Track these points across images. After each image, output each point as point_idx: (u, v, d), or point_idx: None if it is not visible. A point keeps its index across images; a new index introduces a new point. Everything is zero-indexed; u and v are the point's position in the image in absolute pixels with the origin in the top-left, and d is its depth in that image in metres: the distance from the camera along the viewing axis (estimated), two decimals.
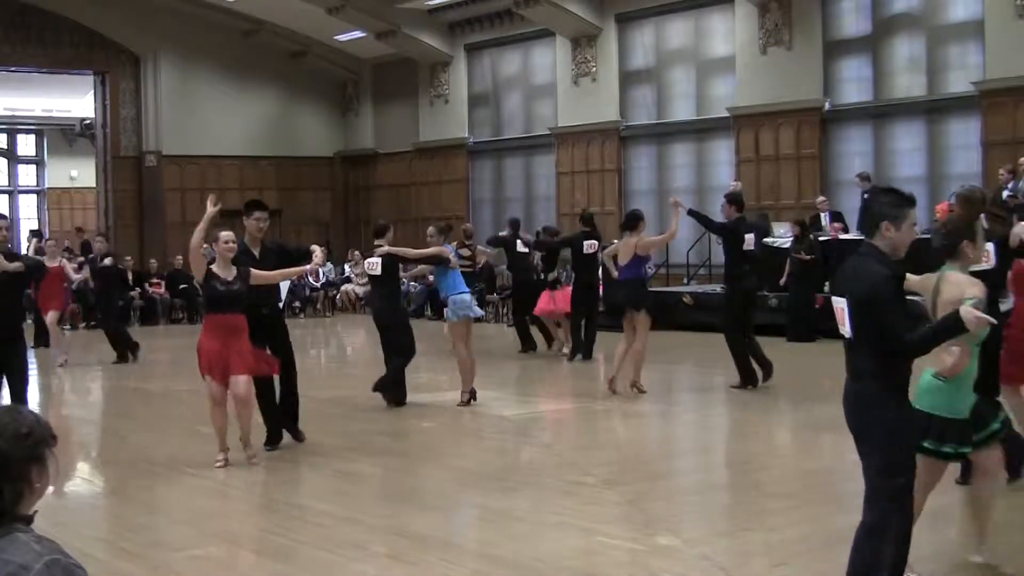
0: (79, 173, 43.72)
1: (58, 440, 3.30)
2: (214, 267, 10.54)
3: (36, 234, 28.24)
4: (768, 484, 9.58)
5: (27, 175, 45.93)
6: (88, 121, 38.59)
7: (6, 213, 11.75)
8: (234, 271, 10.56)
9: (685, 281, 25.28)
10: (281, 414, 11.46)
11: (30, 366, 10.72)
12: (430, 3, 30.41)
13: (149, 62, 32.67)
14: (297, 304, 30.06)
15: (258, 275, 10.77)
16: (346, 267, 30.83)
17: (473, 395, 13.86)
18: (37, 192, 45.97)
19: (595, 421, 13.48)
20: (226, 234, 10.77)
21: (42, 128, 45.11)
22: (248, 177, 34.25)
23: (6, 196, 45.39)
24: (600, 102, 28.01)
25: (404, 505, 9.46)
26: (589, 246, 19.29)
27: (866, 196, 21.44)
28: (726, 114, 25.52)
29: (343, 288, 30.39)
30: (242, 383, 10.44)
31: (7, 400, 10.37)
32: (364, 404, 14.73)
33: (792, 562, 7.29)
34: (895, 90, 23.34)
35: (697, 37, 26.61)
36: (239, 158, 33.89)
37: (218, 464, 10.35)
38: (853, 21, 23.87)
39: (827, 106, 24.04)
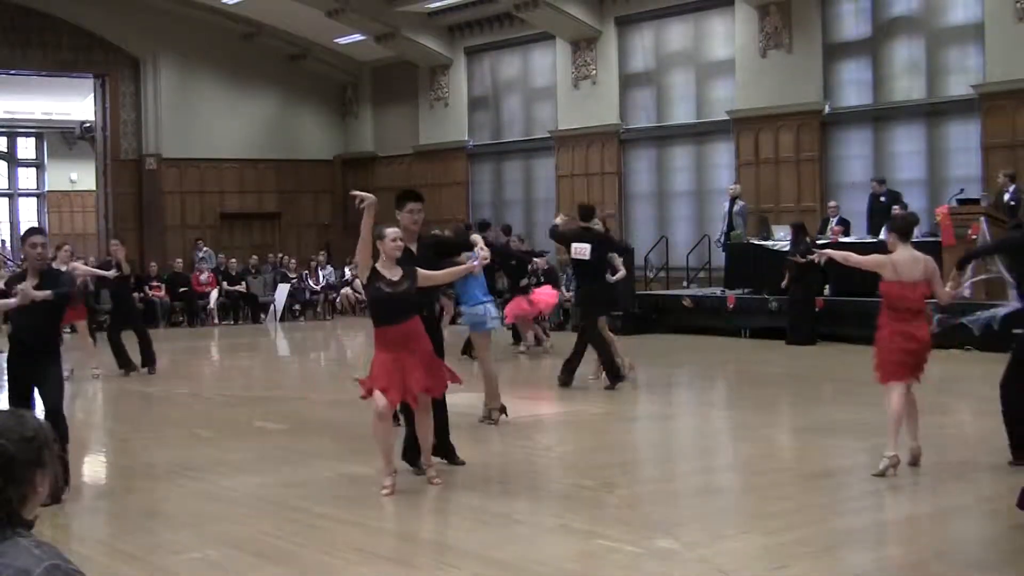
0: (79, 176, 43.75)
1: (58, 445, 3.31)
2: (379, 266, 9.48)
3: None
4: (767, 487, 9.58)
5: (27, 178, 45.97)
6: (88, 124, 38.62)
7: (38, 225, 11.07)
8: (400, 271, 9.45)
9: (685, 284, 25.29)
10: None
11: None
12: (430, 6, 30.42)
13: (149, 65, 32.69)
14: (297, 307, 30.06)
15: (425, 275, 9.66)
16: (346, 270, 30.82)
17: (503, 410, 12.88)
18: (37, 195, 46.00)
19: (594, 424, 13.47)
20: (392, 231, 9.59)
21: (42, 131, 45.16)
22: (248, 180, 34.28)
23: (6, 199, 45.43)
24: (600, 105, 28.02)
25: (404, 508, 9.47)
26: (578, 250, 15.72)
27: (882, 199, 21.47)
28: (726, 117, 25.53)
29: (343, 291, 30.39)
30: (426, 398, 9.56)
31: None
32: (363, 407, 14.73)
33: (792, 565, 7.29)
34: (895, 93, 23.35)
35: (697, 40, 26.62)
36: (239, 161, 33.91)
37: (385, 492, 9.27)
38: (853, 24, 23.88)
39: (827, 109, 24.05)
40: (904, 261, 9.68)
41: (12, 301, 9.20)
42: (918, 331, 9.69)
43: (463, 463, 10.39)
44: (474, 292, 12.95)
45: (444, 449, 10.36)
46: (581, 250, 15.42)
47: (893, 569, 7.42)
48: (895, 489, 9.40)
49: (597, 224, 16.44)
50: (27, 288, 9.15)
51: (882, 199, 21.46)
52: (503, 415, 12.87)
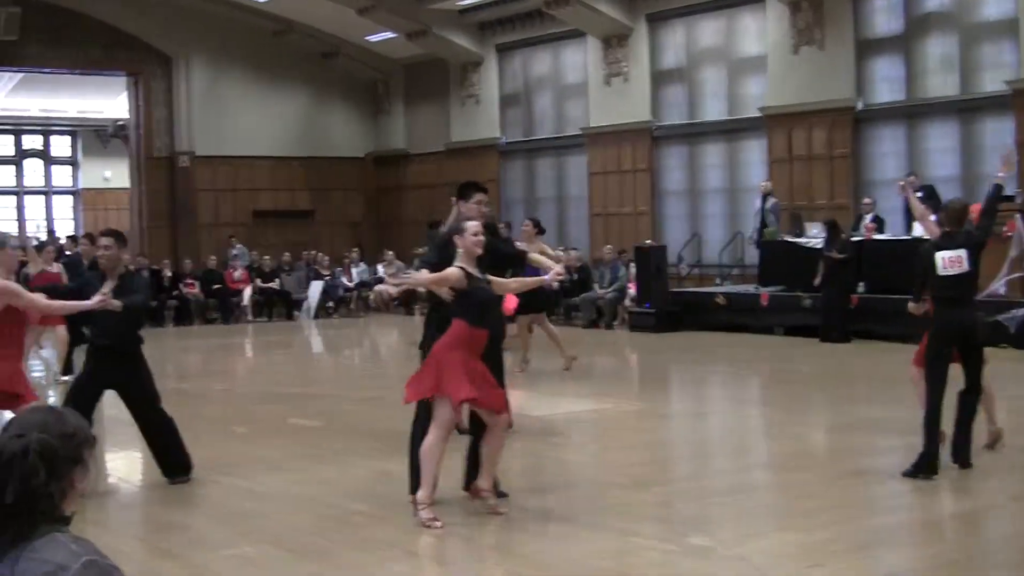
0: (113, 174, 43.94)
1: (96, 442, 3.33)
2: (466, 266, 8.42)
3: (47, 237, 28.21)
4: (802, 485, 9.56)
5: (62, 176, 46.17)
6: (121, 122, 38.76)
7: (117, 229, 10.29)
8: (477, 271, 8.52)
9: (718, 281, 25.23)
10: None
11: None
12: (461, 3, 30.41)
13: (181, 63, 32.80)
14: (330, 304, 30.13)
15: (499, 284, 8.84)
16: (379, 268, 30.86)
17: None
18: (72, 193, 46.22)
19: (627, 421, 13.47)
20: (474, 224, 8.54)
21: (76, 129, 45.35)
22: (280, 177, 34.35)
23: (42, 197, 45.67)
24: (631, 102, 27.97)
25: (438, 505, 9.47)
26: None
27: (918, 194, 21.37)
28: (758, 114, 25.44)
29: (376, 288, 30.41)
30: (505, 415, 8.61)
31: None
32: (397, 404, 14.76)
33: (827, 563, 7.28)
34: (928, 89, 23.21)
35: (728, 37, 26.54)
36: (271, 158, 33.97)
37: (438, 524, 8.24)
38: (885, 20, 23.75)
39: (859, 106, 23.93)
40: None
41: (88, 304, 9.05)
42: None
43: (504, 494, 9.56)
44: None
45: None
46: None
47: (928, 568, 7.39)
48: (929, 488, 9.36)
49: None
50: (108, 296, 9.01)
51: (918, 194, 21.31)
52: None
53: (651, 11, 27.55)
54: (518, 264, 9.96)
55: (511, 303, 17.86)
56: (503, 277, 8.99)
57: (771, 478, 10.33)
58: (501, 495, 8.87)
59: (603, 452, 11.47)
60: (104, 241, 9.67)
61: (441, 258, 8.74)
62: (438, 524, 8.21)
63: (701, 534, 7.94)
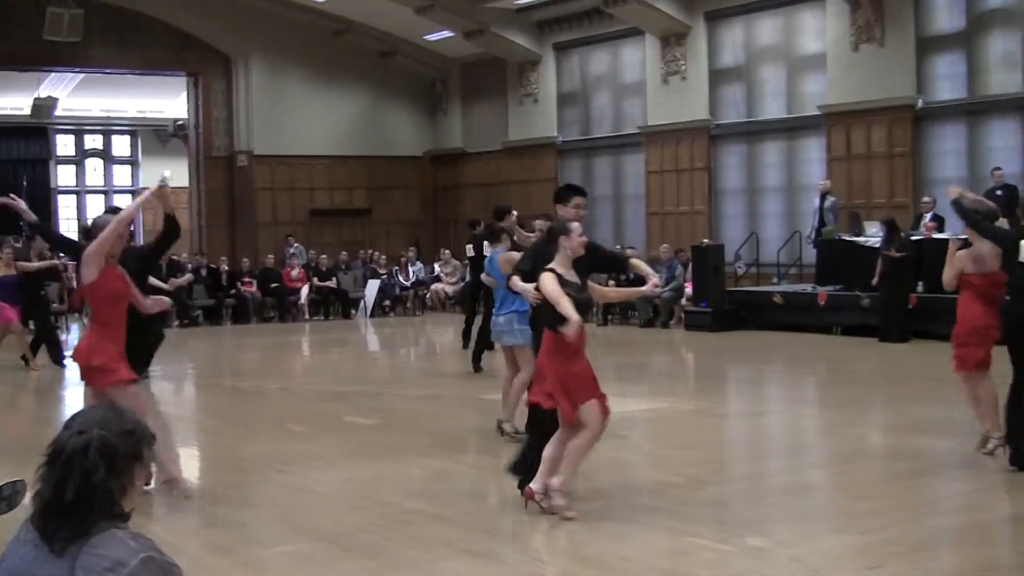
0: (172, 173, 44.18)
1: (155, 440, 3.35)
2: (559, 268, 8.38)
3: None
4: (859, 486, 9.48)
5: (122, 175, 46.59)
6: (181, 122, 39.06)
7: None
8: (576, 276, 8.45)
9: (775, 280, 25.09)
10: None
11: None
12: (518, 2, 30.42)
13: (240, 63, 33.01)
14: (387, 303, 30.20)
15: (598, 291, 8.88)
16: (436, 266, 30.93)
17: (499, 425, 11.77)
18: (132, 192, 46.58)
19: (684, 420, 13.42)
20: (578, 225, 8.55)
21: (136, 129, 45.72)
22: (337, 176, 34.51)
23: (101, 196, 46.08)
24: (689, 101, 27.87)
25: (494, 504, 9.48)
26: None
27: (998, 192, 21.14)
28: (817, 112, 25.27)
29: (433, 287, 30.48)
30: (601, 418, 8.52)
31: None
32: (453, 402, 14.79)
33: (886, 564, 7.21)
34: (990, 87, 22.96)
35: (787, 34, 26.39)
36: (329, 158, 34.13)
37: (571, 514, 8.35)
38: (947, 16, 23.52)
39: (920, 103, 23.72)
40: (990, 251, 10.04)
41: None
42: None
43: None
44: (503, 299, 11.74)
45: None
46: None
47: (987, 571, 7.30)
48: (989, 488, 9.27)
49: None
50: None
51: (998, 192, 21.07)
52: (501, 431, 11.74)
53: (709, 9, 27.44)
54: (621, 268, 9.87)
55: None
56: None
57: (828, 478, 10.26)
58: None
59: (660, 452, 11.43)
60: None
61: (534, 266, 8.73)
62: (571, 514, 8.28)
63: (757, 534, 7.89)
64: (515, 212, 17.40)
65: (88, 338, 8.91)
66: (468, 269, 22.74)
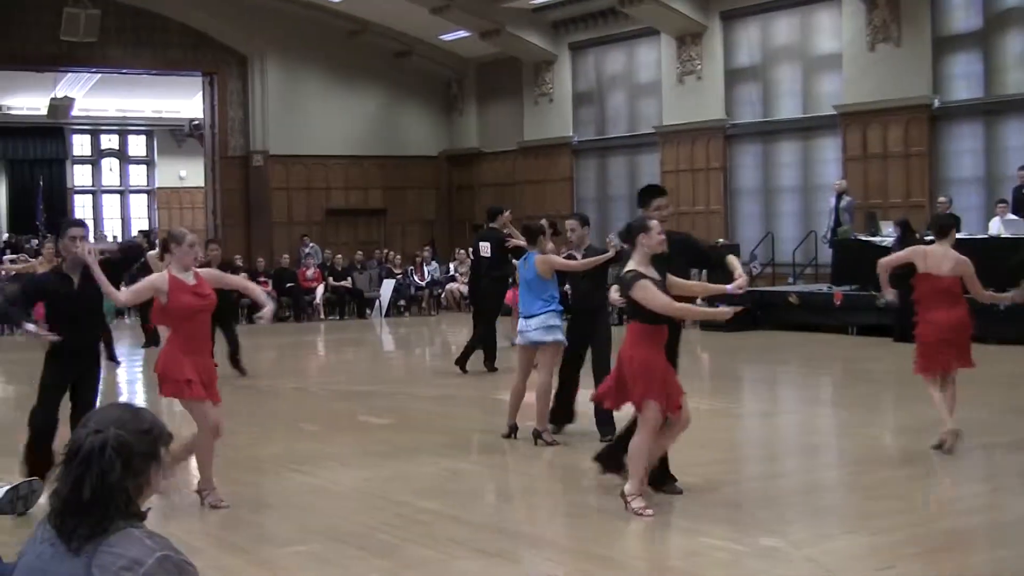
0: (188, 173, 44.40)
1: (172, 439, 3.37)
2: (639, 267, 8.47)
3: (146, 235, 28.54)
4: (873, 486, 9.47)
5: (138, 175, 46.75)
6: (196, 122, 39.17)
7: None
8: (656, 273, 8.51)
9: (791, 280, 25.06)
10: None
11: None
12: (534, 2, 30.43)
13: (256, 63, 33.06)
14: (402, 302, 30.22)
15: (677, 284, 8.80)
16: (451, 266, 30.95)
17: (512, 430, 11.69)
18: (147, 192, 46.77)
19: (698, 420, 13.34)
20: (656, 223, 8.64)
21: (152, 129, 45.89)
22: (353, 176, 34.56)
23: (117, 196, 46.24)
24: (705, 100, 27.85)
25: (507, 503, 9.50)
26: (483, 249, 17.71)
27: None
28: (833, 112, 25.23)
29: (448, 287, 30.50)
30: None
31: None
32: (468, 402, 14.80)
33: (899, 565, 7.21)
34: (1007, 86, 22.90)
35: (803, 34, 26.35)
36: (344, 158, 34.18)
37: (649, 512, 8.41)
38: (963, 16, 23.47)
39: (936, 103, 23.67)
40: (935, 254, 10.93)
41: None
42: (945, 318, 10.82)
43: (680, 491, 9.32)
44: (523, 300, 11.65)
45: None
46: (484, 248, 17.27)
47: (1002, 572, 7.29)
48: (1002, 490, 9.26)
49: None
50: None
51: None
52: (511, 434, 11.70)
53: (725, 9, 27.42)
54: (714, 265, 9.85)
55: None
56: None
57: (842, 479, 10.25)
58: (675, 489, 9.17)
59: (674, 451, 11.41)
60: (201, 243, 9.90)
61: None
62: (650, 512, 8.36)
63: (771, 535, 7.89)
64: (507, 211, 17.57)
65: (163, 348, 9.21)
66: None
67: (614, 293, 9.63)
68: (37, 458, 9.06)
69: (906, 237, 20.34)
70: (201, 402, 8.95)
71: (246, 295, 11.86)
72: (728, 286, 9.06)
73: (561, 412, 11.79)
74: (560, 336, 11.33)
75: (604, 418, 11.09)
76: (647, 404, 8.46)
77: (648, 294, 8.30)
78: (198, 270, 9.26)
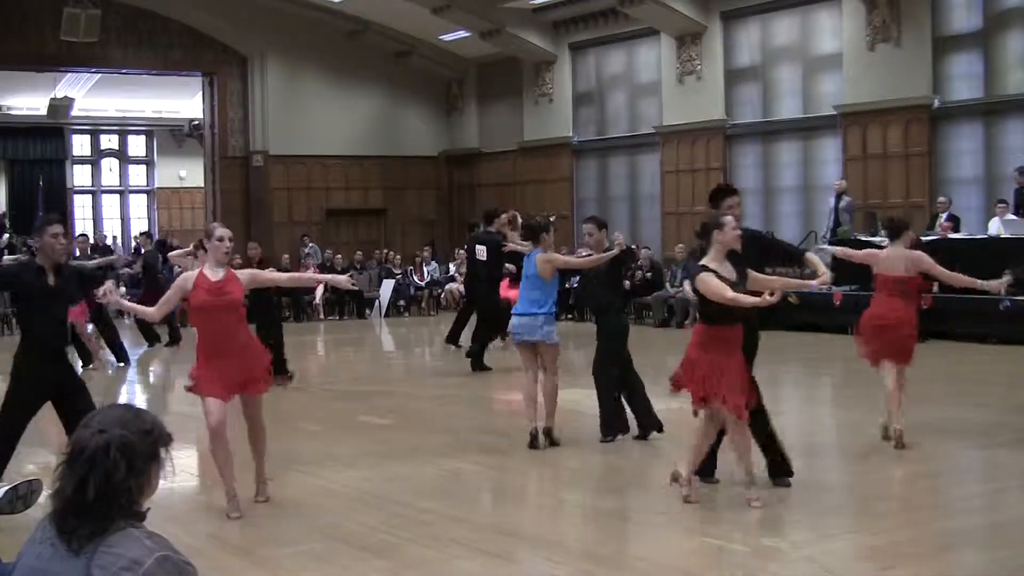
0: (187, 173, 44.35)
1: (172, 440, 3.37)
2: (712, 263, 8.66)
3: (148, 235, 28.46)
4: (875, 487, 9.47)
5: (137, 175, 46.69)
6: (196, 122, 39.15)
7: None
8: (733, 269, 8.71)
9: None
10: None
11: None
12: (534, 2, 30.43)
13: (256, 63, 33.07)
14: (402, 303, 30.21)
15: (758, 279, 8.90)
16: (451, 266, 30.94)
17: (533, 437, 11.34)
18: (147, 192, 46.73)
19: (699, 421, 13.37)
20: (731, 219, 8.75)
21: (152, 129, 45.83)
22: (353, 176, 34.57)
23: (117, 196, 46.21)
24: (705, 100, 27.85)
25: (509, 504, 9.49)
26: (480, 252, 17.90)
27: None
28: (833, 112, 25.24)
29: (447, 287, 30.49)
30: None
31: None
32: (468, 402, 14.80)
33: (900, 566, 7.20)
34: (1007, 86, 22.90)
35: (803, 34, 26.35)
36: (344, 158, 34.19)
37: (757, 504, 8.63)
38: (963, 16, 23.47)
39: (936, 103, 23.67)
40: (888, 256, 11.48)
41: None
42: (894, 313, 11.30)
43: (789, 484, 9.42)
44: (524, 298, 11.58)
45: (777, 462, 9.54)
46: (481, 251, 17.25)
47: (1004, 572, 7.29)
48: (1004, 490, 9.25)
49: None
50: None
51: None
52: (533, 443, 11.40)
53: (725, 9, 27.42)
54: (793, 262, 9.87)
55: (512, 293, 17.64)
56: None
57: (844, 479, 10.24)
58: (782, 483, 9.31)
59: (675, 451, 11.41)
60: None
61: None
62: (758, 505, 8.57)
63: (772, 535, 7.89)
64: (512, 212, 17.50)
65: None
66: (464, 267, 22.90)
67: (687, 287, 9.69)
68: None
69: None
70: (206, 399, 8.80)
71: (291, 291, 11.59)
72: (812, 281, 9.34)
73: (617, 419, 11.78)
74: (553, 336, 11.32)
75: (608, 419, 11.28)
76: (716, 403, 8.63)
77: (704, 285, 8.46)
78: (234, 270, 9.10)
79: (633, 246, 21.87)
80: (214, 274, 8.84)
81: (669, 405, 14.60)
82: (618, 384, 11.66)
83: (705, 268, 8.55)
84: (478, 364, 17.50)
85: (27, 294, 8.94)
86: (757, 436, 9.26)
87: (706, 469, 9.34)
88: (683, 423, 13.25)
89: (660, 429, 11.62)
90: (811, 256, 9.69)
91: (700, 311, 8.94)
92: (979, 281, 11.40)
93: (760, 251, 9.60)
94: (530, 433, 11.31)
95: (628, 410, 11.75)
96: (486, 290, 17.93)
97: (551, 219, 12.29)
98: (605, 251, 11.59)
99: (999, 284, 11.11)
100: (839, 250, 13.03)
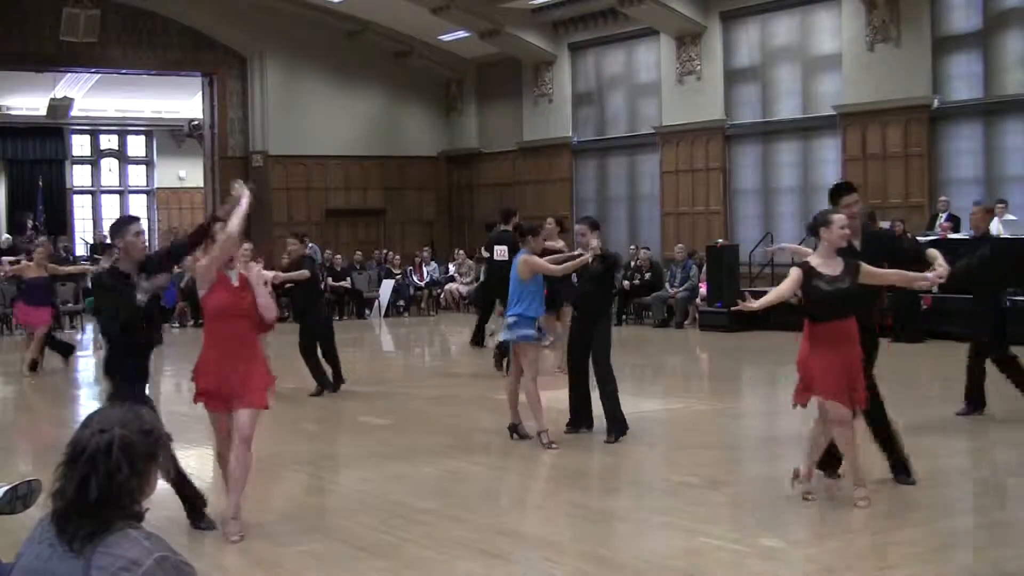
0: (187, 173, 44.35)
1: (171, 440, 3.37)
2: (815, 261, 8.78)
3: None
4: (873, 486, 9.46)
5: (137, 175, 46.67)
6: (196, 122, 39.15)
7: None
8: (841, 265, 8.71)
9: None
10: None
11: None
12: (534, 2, 30.43)
13: (256, 63, 33.07)
14: (401, 303, 30.21)
15: (870, 272, 8.81)
16: (450, 266, 30.94)
17: (513, 429, 11.76)
18: (147, 192, 46.72)
19: (699, 421, 13.40)
20: (841, 217, 8.80)
21: (151, 129, 45.81)
22: (353, 177, 34.56)
23: (117, 196, 46.19)
24: (705, 101, 27.85)
25: (508, 504, 9.49)
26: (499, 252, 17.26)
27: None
28: (832, 112, 25.23)
29: (447, 287, 30.50)
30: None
31: None
32: (468, 402, 14.79)
33: (900, 565, 7.20)
34: (1007, 86, 22.89)
35: (803, 34, 26.34)
36: (344, 158, 34.19)
37: (863, 504, 8.63)
38: (963, 16, 23.45)
39: (936, 103, 23.66)
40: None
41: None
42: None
43: (912, 482, 9.36)
44: (510, 299, 11.67)
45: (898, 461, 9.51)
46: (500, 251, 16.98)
47: (1003, 572, 7.28)
48: (1004, 490, 9.24)
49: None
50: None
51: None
52: (513, 434, 11.79)
53: (725, 9, 27.41)
54: (911, 259, 9.81)
55: None
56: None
57: (843, 479, 10.23)
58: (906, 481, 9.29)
59: (674, 452, 11.42)
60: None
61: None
62: (811, 497, 8.74)
63: (772, 535, 7.88)
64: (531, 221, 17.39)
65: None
66: (483, 269, 22.84)
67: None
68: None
69: (902, 236, 20.36)
70: (214, 414, 8.39)
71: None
72: (929, 274, 9.15)
73: (578, 415, 11.92)
74: (528, 335, 11.40)
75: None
76: (822, 400, 8.73)
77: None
78: (243, 272, 8.55)
79: (631, 247, 21.85)
80: (229, 274, 8.39)
81: (669, 405, 14.64)
82: (584, 377, 11.91)
83: (804, 263, 8.70)
84: (477, 340, 17.68)
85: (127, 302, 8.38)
86: (878, 434, 9.43)
87: (830, 464, 9.40)
88: (680, 422, 13.28)
89: (591, 427, 11.93)
90: (932, 251, 9.61)
91: (805, 309, 9.01)
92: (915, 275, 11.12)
93: (885, 250, 9.62)
94: (507, 428, 11.72)
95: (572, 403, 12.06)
96: (503, 290, 17.83)
97: (550, 223, 12.42)
98: (608, 256, 11.74)
99: (935, 277, 10.69)
100: (792, 247, 13.03)
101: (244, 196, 8.39)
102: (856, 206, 9.45)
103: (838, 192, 9.60)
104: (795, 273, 8.71)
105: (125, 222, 8.52)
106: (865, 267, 8.75)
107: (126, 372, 8.18)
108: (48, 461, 3.31)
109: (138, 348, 8.29)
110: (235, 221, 8.35)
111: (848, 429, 8.69)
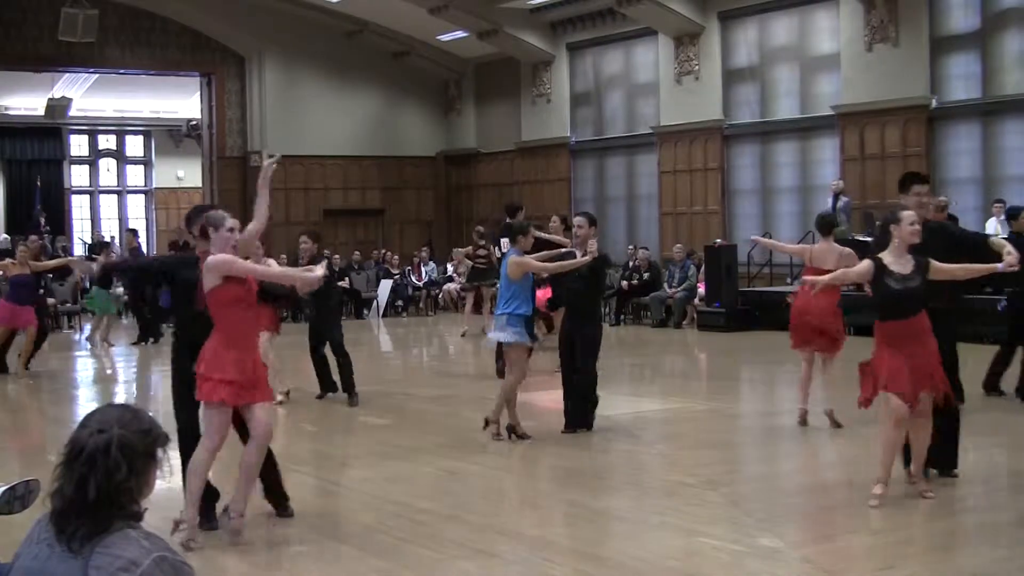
0: (185, 173, 44.34)
1: (169, 440, 3.36)
2: (887, 259, 8.72)
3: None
4: (871, 487, 9.46)
5: (135, 175, 46.64)
6: (194, 122, 39.15)
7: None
8: (911, 263, 8.63)
9: (788, 281, 25.02)
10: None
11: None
12: (532, 2, 30.43)
13: (254, 63, 33.07)
14: (399, 303, 30.20)
15: (940, 268, 8.72)
16: (448, 266, 30.93)
17: (511, 430, 11.80)
18: (145, 192, 46.69)
19: (697, 421, 13.40)
20: (910, 213, 8.70)
21: (150, 129, 45.78)
22: (351, 176, 34.55)
23: (115, 196, 46.17)
24: (703, 101, 27.84)
25: (507, 504, 9.49)
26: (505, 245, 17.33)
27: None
28: (831, 112, 25.23)
29: (445, 287, 30.49)
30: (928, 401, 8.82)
31: None
32: (466, 402, 14.78)
33: (899, 565, 7.20)
34: (1005, 87, 22.89)
35: (801, 34, 26.34)
36: (342, 158, 34.18)
37: (874, 503, 8.67)
38: (961, 16, 23.45)
39: (934, 103, 23.66)
40: (819, 251, 12.32)
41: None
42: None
43: (955, 475, 9.44)
44: (511, 300, 11.63)
45: (945, 458, 9.49)
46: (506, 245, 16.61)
47: (1002, 572, 7.28)
48: (1003, 490, 9.25)
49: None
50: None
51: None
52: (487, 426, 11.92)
53: (723, 9, 27.41)
54: (974, 250, 9.72)
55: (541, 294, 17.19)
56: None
57: (842, 478, 10.23)
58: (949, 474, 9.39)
59: (672, 452, 11.42)
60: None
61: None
62: (874, 504, 8.59)
63: (770, 535, 7.88)
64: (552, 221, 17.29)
65: (205, 346, 8.14)
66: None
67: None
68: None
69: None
70: (223, 409, 8.18)
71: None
72: (999, 264, 9.01)
73: (572, 416, 11.94)
74: (517, 336, 11.47)
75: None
76: (886, 397, 8.71)
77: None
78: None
79: (630, 247, 21.83)
80: None
81: (667, 405, 14.64)
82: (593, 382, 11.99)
83: (876, 258, 8.69)
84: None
85: (187, 291, 8.45)
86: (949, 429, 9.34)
87: (947, 463, 9.42)
88: (678, 422, 13.28)
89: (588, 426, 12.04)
90: (995, 240, 9.55)
91: (876, 309, 9.00)
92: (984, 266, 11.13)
93: (948, 243, 9.33)
94: (505, 428, 11.82)
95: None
96: None
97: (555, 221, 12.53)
98: (601, 255, 11.78)
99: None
100: (768, 242, 14.67)
101: (270, 166, 8.57)
102: (925, 196, 9.37)
103: (908, 181, 9.48)
104: (867, 265, 8.76)
105: (221, 215, 8.84)
106: (935, 264, 8.70)
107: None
108: (45, 461, 3.31)
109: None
110: (262, 207, 9.37)
111: (902, 430, 8.72)
